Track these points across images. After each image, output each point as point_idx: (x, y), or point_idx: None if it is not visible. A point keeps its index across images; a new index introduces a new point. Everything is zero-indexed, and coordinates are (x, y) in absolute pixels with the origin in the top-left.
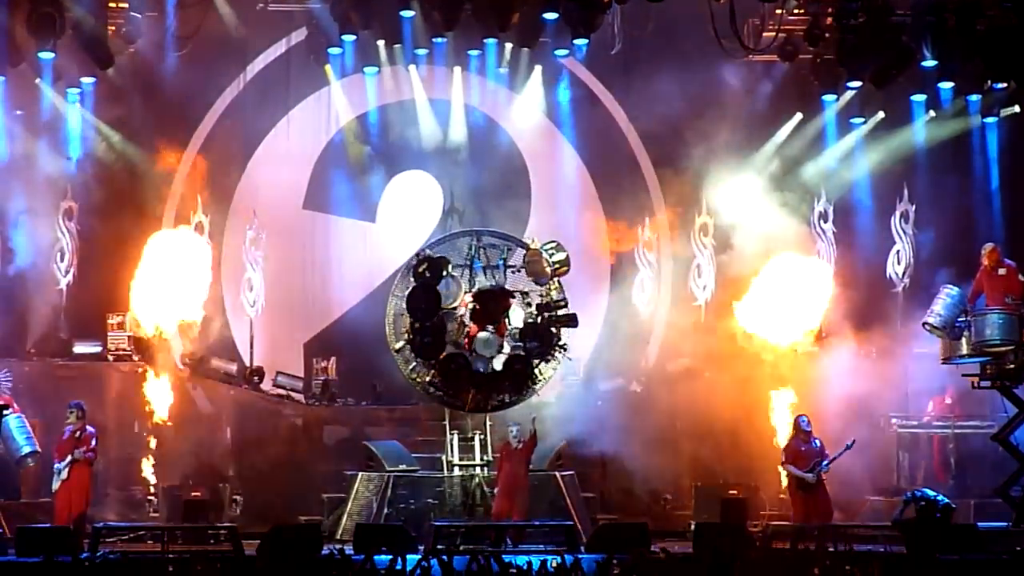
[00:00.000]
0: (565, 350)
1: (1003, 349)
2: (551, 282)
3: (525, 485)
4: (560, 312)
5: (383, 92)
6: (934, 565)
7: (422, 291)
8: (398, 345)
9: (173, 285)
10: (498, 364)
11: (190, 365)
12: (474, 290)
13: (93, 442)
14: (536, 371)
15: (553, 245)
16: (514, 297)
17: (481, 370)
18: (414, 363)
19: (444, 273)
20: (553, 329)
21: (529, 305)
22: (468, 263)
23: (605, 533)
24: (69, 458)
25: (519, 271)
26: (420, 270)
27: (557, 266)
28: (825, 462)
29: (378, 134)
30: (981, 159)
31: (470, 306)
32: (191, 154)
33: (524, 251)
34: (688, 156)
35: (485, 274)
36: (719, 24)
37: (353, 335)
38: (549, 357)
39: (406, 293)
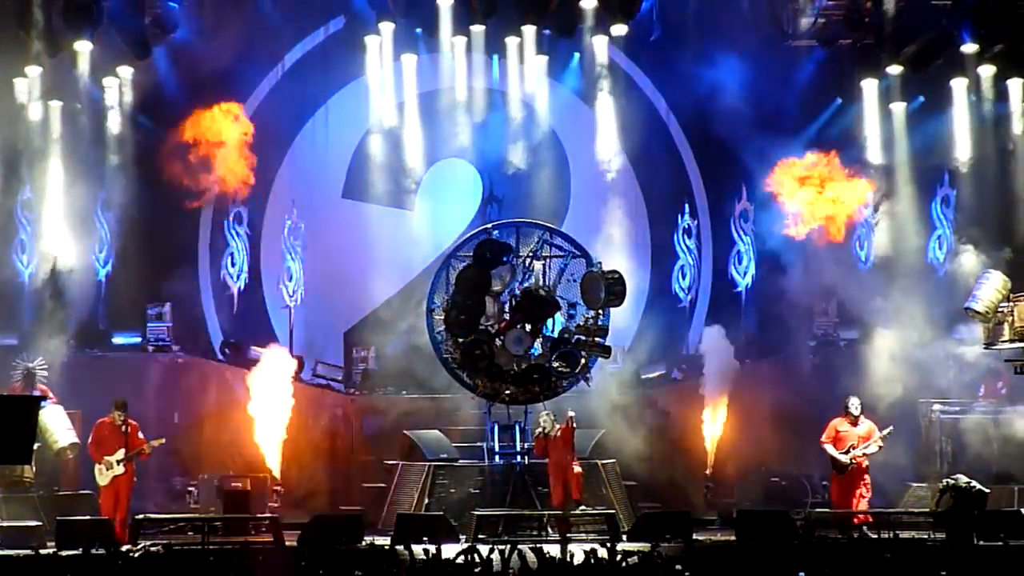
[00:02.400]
0: (588, 381)
1: None
2: (597, 313)
3: (573, 470)
4: (597, 340)
5: (421, 80)
6: (971, 551)
7: (476, 268)
8: (436, 306)
9: None
10: (519, 366)
11: (230, 355)
12: (525, 286)
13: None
14: (551, 385)
15: (615, 277)
16: (560, 309)
17: (502, 365)
18: (444, 334)
19: (504, 259)
20: (584, 354)
21: (572, 318)
22: (531, 255)
23: (648, 522)
24: (124, 453)
25: (575, 282)
26: (482, 250)
27: (611, 298)
28: (859, 449)
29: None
30: (1022, 142)
31: (516, 300)
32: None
33: (587, 268)
34: (728, 142)
35: (544, 275)
36: (758, 10)
37: (393, 323)
38: (569, 379)
39: (461, 266)
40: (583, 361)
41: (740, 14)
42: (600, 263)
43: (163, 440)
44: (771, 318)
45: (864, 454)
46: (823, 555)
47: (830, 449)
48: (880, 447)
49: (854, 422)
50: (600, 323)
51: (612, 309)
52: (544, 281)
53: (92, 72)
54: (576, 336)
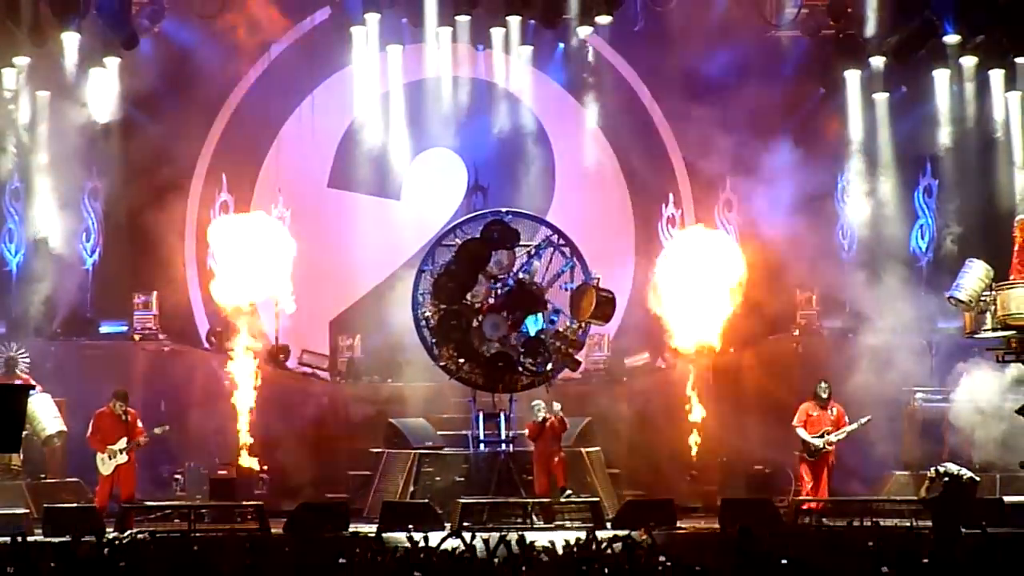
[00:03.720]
0: (549, 387)
1: None
2: (579, 324)
3: (560, 460)
4: (570, 351)
5: (406, 70)
6: (959, 540)
7: (479, 245)
8: (427, 268)
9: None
10: (489, 350)
11: (216, 344)
12: (520, 276)
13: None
14: (512, 379)
15: (608, 297)
16: (546, 309)
17: (473, 344)
18: (427, 294)
19: (509, 245)
20: (553, 360)
21: (552, 323)
22: (534, 251)
23: (631, 509)
24: (127, 442)
25: (565, 290)
26: (491, 229)
27: (598, 316)
28: (833, 435)
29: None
30: (1004, 132)
31: (507, 288)
32: (215, 134)
33: (585, 280)
34: (711, 132)
35: (542, 274)
36: (742, 0)
37: (379, 312)
38: (530, 379)
39: (464, 239)
40: (550, 366)
41: (724, 4)
42: (599, 278)
43: (167, 427)
44: (754, 307)
45: (838, 440)
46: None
47: (802, 433)
48: (850, 433)
49: (824, 406)
50: (578, 336)
51: (592, 327)
52: (539, 279)
53: (79, 62)
54: (552, 341)
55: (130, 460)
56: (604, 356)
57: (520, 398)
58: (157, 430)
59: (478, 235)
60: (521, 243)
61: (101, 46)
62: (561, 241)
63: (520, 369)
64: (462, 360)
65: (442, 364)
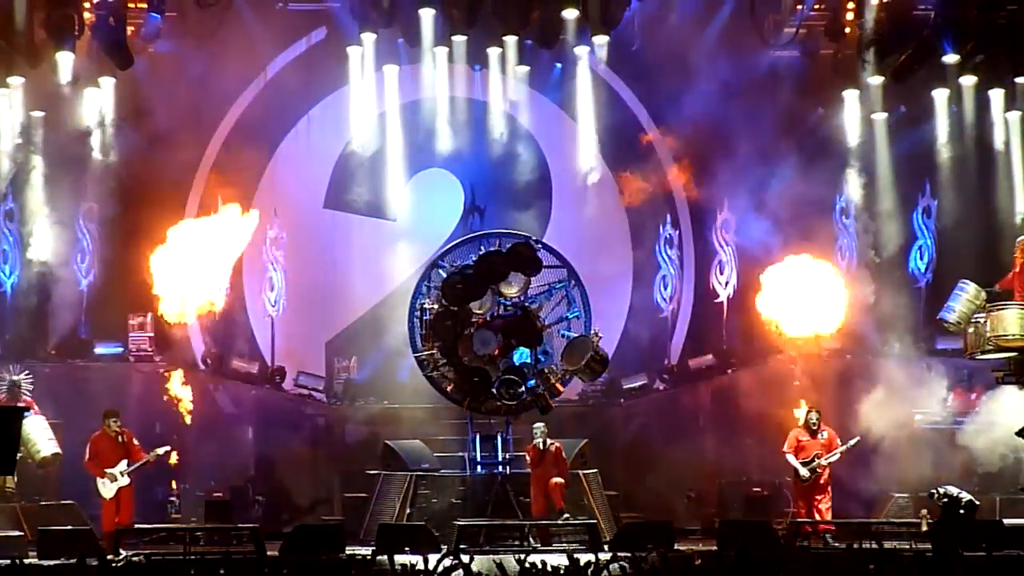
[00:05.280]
0: (510, 418)
1: (1018, 345)
2: (565, 373)
3: (560, 484)
4: (543, 393)
5: (403, 90)
6: (959, 563)
7: (501, 258)
8: (443, 265)
9: (196, 269)
10: (471, 362)
11: (211, 365)
12: (527, 303)
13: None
14: (480, 398)
15: (601, 356)
16: (539, 345)
17: (458, 349)
18: (433, 288)
19: (529, 272)
20: (525, 395)
21: (538, 362)
22: (547, 288)
23: (629, 532)
24: (130, 463)
25: (562, 336)
26: (516, 247)
27: (586, 371)
28: (824, 458)
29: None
30: (1004, 153)
31: (510, 311)
32: (211, 155)
33: (584, 332)
34: (709, 151)
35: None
36: (739, 20)
37: (375, 334)
38: (493, 402)
39: (488, 249)
40: (520, 400)
41: (721, 24)
42: (599, 335)
43: (169, 448)
44: (752, 328)
45: (829, 463)
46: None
47: (792, 459)
48: (842, 456)
49: (813, 434)
50: (560, 382)
51: (574, 377)
52: (542, 315)
53: (74, 82)
54: (532, 378)
55: (132, 483)
56: (601, 378)
57: (517, 420)
58: (160, 451)
59: (506, 249)
60: (544, 279)
61: (96, 66)
62: (577, 289)
63: (493, 392)
64: (441, 361)
65: (421, 357)
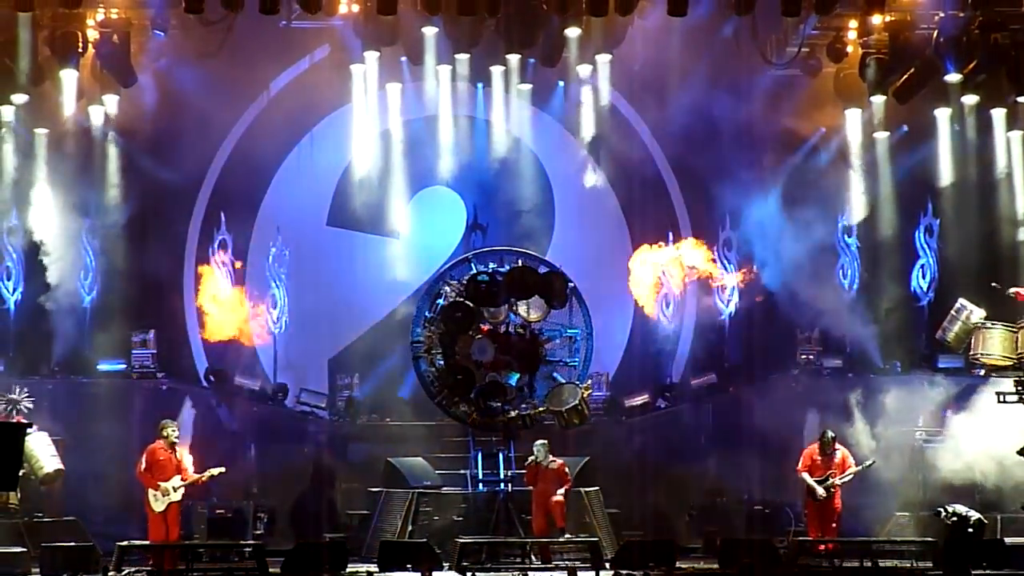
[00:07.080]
0: (473, 429)
1: (1000, 364)
2: (541, 412)
3: (560, 502)
4: (518, 423)
5: (406, 108)
6: None
7: (535, 279)
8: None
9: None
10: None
11: (214, 382)
12: (536, 328)
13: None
14: (454, 400)
15: (581, 409)
16: (532, 374)
17: (456, 343)
18: (446, 287)
19: (550, 302)
20: (501, 422)
21: (520, 390)
22: (561, 327)
23: (630, 549)
24: (179, 479)
25: (553, 378)
26: (553, 275)
27: (565, 418)
28: (838, 478)
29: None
30: (1005, 172)
31: (517, 328)
32: (215, 172)
33: (578, 382)
34: (711, 169)
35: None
36: (741, 39)
37: (378, 351)
38: (468, 415)
39: (511, 265)
40: (494, 419)
41: (723, 42)
42: (590, 391)
43: (224, 469)
44: (755, 346)
45: (842, 482)
46: None
47: (807, 478)
48: (855, 475)
49: (828, 452)
50: (536, 418)
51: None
52: (546, 350)
53: (78, 99)
54: (509, 405)
55: (180, 500)
56: (604, 396)
57: (520, 437)
58: (215, 471)
59: (542, 270)
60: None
61: (100, 84)
62: (588, 340)
63: (470, 397)
64: (436, 348)
65: (419, 338)
